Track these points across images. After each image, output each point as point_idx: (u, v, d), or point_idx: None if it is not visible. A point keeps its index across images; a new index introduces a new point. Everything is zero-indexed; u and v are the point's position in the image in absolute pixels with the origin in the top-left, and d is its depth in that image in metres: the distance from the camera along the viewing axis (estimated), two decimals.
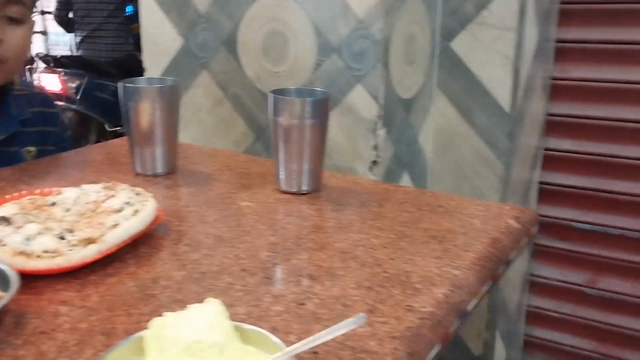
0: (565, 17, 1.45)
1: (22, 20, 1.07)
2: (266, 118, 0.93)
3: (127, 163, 1.07)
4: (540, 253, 1.62)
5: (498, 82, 1.24)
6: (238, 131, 1.29)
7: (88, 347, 0.56)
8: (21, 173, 1.03)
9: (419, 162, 1.33)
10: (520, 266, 1.58)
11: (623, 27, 1.41)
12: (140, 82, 1.03)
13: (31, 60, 3.28)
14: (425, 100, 1.30)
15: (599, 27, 1.43)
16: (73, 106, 2.45)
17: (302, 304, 0.64)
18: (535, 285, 1.65)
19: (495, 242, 0.81)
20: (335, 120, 1.19)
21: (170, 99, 1.01)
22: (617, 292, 1.56)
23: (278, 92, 0.95)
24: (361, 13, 1.10)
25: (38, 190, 0.87)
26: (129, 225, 0.73)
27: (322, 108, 0.93)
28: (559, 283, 1.62)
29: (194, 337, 0.51)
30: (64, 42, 5.45)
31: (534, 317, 1.67)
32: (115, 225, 0.73)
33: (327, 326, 0.60)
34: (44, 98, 1.25)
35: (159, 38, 1.37)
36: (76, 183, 0.98)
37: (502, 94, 1.24)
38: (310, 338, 0.52)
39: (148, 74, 1.40)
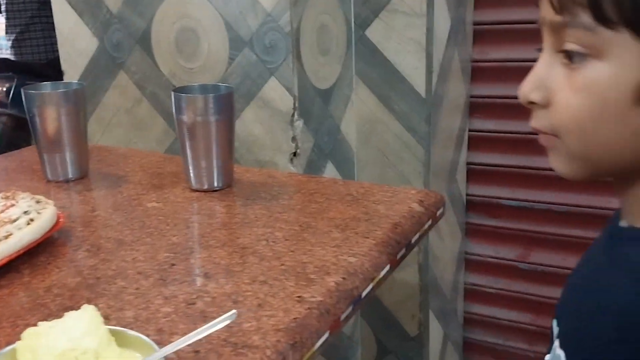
0: (481, 0, 1.48)
1: None
2: None
3: (39, 170, 1.06)
4: (473, 232, 1.66)
5: (412, 68, 1.26)
6: (158, 130, 1.29)
7: None
8: None
9: (342, 151, 1.34)
10: (454, 245, 1.62)
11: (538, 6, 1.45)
12: (45, 87, 1.02)
13: None
14: (344, 90, 1.31)
15: (515, 8, 1.46)
16: (6, 110, 2.38)
17: (192, 304, 0.65)
18: (470, 263, 1.68)
19: (396, 227, 0.83)
20: (253, 113, 1.19)
21: (76, 103, 1.00)
22: (548, 265, 1.61)
23: (181, 90, 0.95)
24: (269, 6, 1.11)
25: None
26: (21, 235, 0.73)
27: (225, 103, 0.94)
28: (493, 259, 1.66)
29: (68, 345, 0.52)
30: (6, 46, 5.29)
31: (472, 294, 1.71)
32: (7, 236, 0.72)
33: None
34: None
35: (75, 40, 1.35)
36: None
37: (417, 80, 1.26)
38: (182, 339, 0.53)
39: (67, 77, 1.38)
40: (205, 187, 0.96)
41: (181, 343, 0.52)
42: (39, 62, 2.60)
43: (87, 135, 1.04)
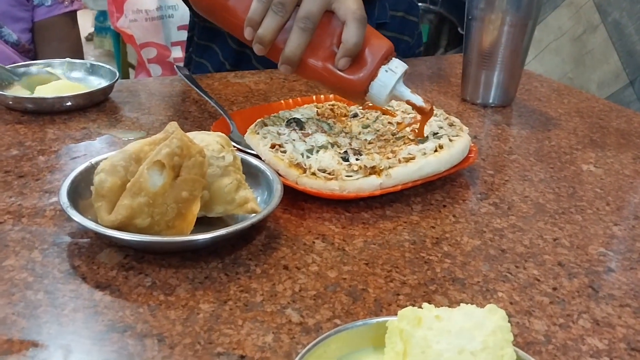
0: None
1: None
2: None
3: (457, 85, 0.91)
4: None
5: None
6: (607, 69, 1.00)
7: (325, 306, 0.43)
8: None
9: None
10: None
11: None
12: None
13: None
14: None
15: None
16: (436, 8, 2.32)
17: (637, 350, 0.41)
18: None
19: None
20: None
21: (527, 13, 0.79)
22: None
23: None
24: None
25: None
26: (425, 163, 0.57)
27: None
28: None
29: (455, 357, 0.35)
30: None
31: None
32: (408, 159, 0.58)
33: None
34: (410, 4, 1.13)
35: None
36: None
37: None
38: None
39: None
40: None
41: None
42: None
43: (526, 56, 0.84)
